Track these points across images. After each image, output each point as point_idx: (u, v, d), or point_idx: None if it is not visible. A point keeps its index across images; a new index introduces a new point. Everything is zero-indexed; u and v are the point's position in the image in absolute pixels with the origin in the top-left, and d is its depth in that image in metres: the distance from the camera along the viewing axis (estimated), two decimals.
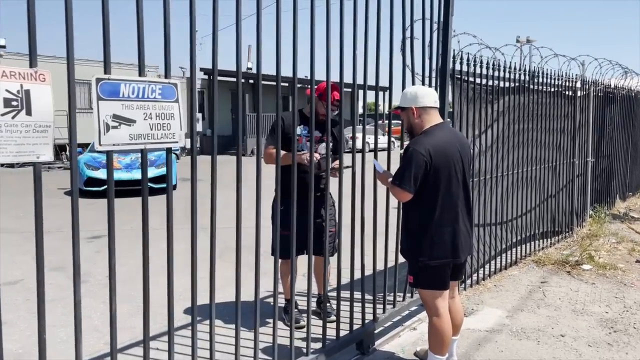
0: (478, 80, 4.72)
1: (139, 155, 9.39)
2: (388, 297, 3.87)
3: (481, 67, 4.68)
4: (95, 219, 8.44)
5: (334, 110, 3.72)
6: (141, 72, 1.99)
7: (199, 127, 22.68)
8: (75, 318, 2.04)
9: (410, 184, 2.75)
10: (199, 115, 22.72)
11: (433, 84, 4.15)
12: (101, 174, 10.64)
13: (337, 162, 3.89)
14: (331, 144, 3.84)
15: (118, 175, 10.59)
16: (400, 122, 3.51)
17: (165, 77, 2.11)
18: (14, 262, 5.71)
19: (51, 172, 16.04)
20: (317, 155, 3.58)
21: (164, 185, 9.12)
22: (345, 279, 3.53)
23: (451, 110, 4.46)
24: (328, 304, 4.06)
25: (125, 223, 8.12)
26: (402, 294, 4.07)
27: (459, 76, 4.43)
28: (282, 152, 3.72)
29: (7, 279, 5.18)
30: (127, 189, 10.58)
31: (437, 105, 2.99)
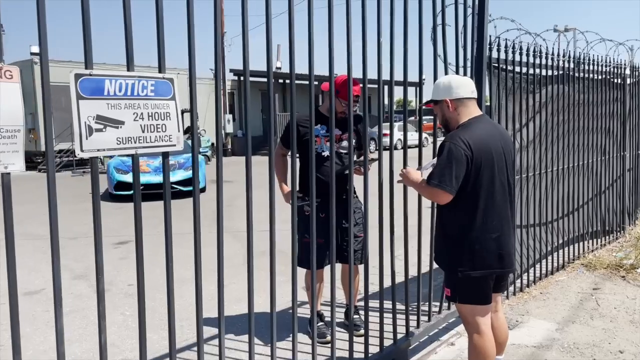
0: (518, 69, 4.31)
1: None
2: (422, 307, 3.53)
3: (521, 54, 4.27)
4: (123, 224, 8.41)
5: (354, 106, 3.43)
6: (130, 66, 1.74)
7: (229, 128, 22.66)
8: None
9: (452, 183, 2.41)
10: (229, 117, 22.70)
11: (468, 74, 3.78)
12: (130, 177, 10.61)
13: (361, 157, 3.59)
14: (354, 141, 3.54)
15: (147, 178, 10.53)
16: (432, 117, 3.19)
17: (159, 71, 1.84)
18: (38, 270, 5.62)
19: (86, 177, 16.26)
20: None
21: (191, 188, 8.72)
22: (374, 286, 3.23)
23: (487, 103, 4.08)
24: (357, 316, 3.76)
25: (153, 227, 8.01)
26: (437, 304, 3.72)
27: (497, 65, 4.05)
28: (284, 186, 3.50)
29: (28, 288, 5.08)
30: (156, 192, 10.54)
31: (475, 95, 2.64)
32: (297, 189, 3.51)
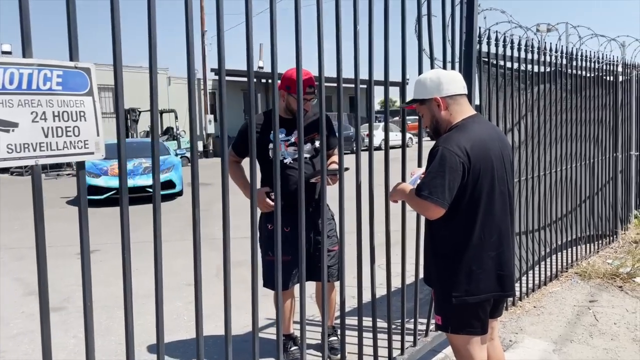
0: (509, 65, 3.98)
1: (143, 160, 8.70)
2: (407, 324, 3.17)
3: (512, 48, 3.94)
4: (91, 230, 7.94)
5: (310, 99, 3.04)
6: (25, 52, 1.33)
7: (210, 128, 22.15)
8: None
9: (444, 195, 2.04)
10: (210, 117, 22.19)
11: (457, 69, 3.43)
12: (102, 181, 10.11)
13: (332, 164, 3.21)
14: (317, 145, 3.15)
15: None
16: (417, 117, 2.81)
17: (71, 58, 1.44)
18: None
19: (60, 180, 15.66)
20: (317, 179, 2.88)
21: (169, 191, 8.39)
22: (353, 300, 2.87)
23: (477, 103, 3.73)
24: (334, 338, 3.38)
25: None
26: (424, 322, 3.37)
27: (487, 59, 3.71)
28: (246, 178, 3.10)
29: None
30: (130, 196, 10.06)
31: (466, 91, 2.28)
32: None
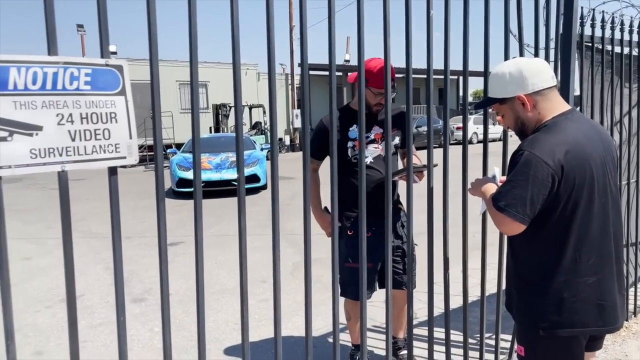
0: (618, 50, 3.45)
1: (229, 154, 8.94)
2: (487, 340, 2.85)
3: (622, 30, 3.41)
4: (178, 222, 8.23)
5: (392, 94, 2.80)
6: (50, 50, 1.24)
7: (297, 123, 22.42)
8: None
9: (525, 208, 1.70)
10: (297, 112, 22.44)
11: (552, 57, 3.01)
12: (192, 174, 10.49)
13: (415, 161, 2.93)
14: (397, 140, 2.91)
15: (207, 175, 10.39)
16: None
17: (102, 55, 1.34)
18: (83, 273, 5.43)
19: (151, 172, 16.59)
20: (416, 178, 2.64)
21: (253, 185, 8.51)
22: (423, 311, 2.60)
23: (577, 94, 3.27)
24: (405, 352, 3.13)
25: (208, 227, 7.80)
26: (508, 340, 3.02)
27: (591, 44, 3.23)
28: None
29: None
30: (217, 189, 10.38)
31: (555, 81, 1.91)
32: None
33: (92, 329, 3.96)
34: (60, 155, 1.27)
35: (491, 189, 1.97)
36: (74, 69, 1.27)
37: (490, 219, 1.89)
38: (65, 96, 1.26)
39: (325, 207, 2.92)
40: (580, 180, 1.71)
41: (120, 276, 1.49)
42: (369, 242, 2.61)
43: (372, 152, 2.87)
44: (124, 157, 1.38)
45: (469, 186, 2.17)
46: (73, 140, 1.28)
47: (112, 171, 1.38)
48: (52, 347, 3.69)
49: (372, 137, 2.87)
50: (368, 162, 2.83)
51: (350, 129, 2.84)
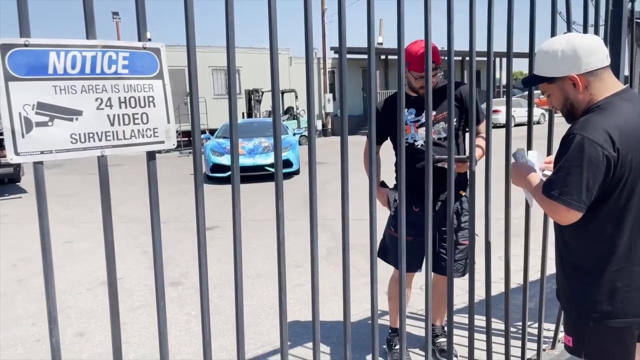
0: None
1: (262, 139, 9.05)
2: (529, 329, 2.77)
3: None
4: (213, 207, 8.31)
5: (434, 77, 2.72)
6: (88, 33, 1.23)
7: (329, 107, 22.31)
8: None
9: (581, 196, 1.62)
10: (329, 96, 22.33)
11: (601, 34, 2.86)
12: (226, 160, 10.60)
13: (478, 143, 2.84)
14: (455, 121, 2.82)
15: (241, 161, 10.37)
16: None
17: (139, 38, 1.32)
18: (122, 256, 5.56)
19: (185, 158, 16.82)
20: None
21: (286, 170, 8.61)
22: (464, 300, 2.54)
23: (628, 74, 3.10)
24: (444, 339, 3.09)
25: (242, 212, 7.85)
26: (552, 329, 2.93)
27: None
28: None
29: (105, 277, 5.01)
30: (250, 174, 10.45)
31: (609, 61, 1.79)
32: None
33: (131, 312, 4.05)
34: (100, 140, 1.26)
35: (535, 177, 1.89)
36: (112, 52, 1.26)
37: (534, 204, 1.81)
38: (104, 80, 1.25)
39: (383, 182, 3.00)
40: (636, 163, 1.61)
41: (160, 261, 1.49)
42: (415, 217, 2.62)
43: (422, 136, 2.82)
44: (162, 142, 1.37)
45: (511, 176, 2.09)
46: (112, 125, 1.28)
47: (151, 156, 1.37)
48: (93, 329, 3.79)
49: (423, 120, 2.83)
50: (418, 146, 2.81)
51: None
